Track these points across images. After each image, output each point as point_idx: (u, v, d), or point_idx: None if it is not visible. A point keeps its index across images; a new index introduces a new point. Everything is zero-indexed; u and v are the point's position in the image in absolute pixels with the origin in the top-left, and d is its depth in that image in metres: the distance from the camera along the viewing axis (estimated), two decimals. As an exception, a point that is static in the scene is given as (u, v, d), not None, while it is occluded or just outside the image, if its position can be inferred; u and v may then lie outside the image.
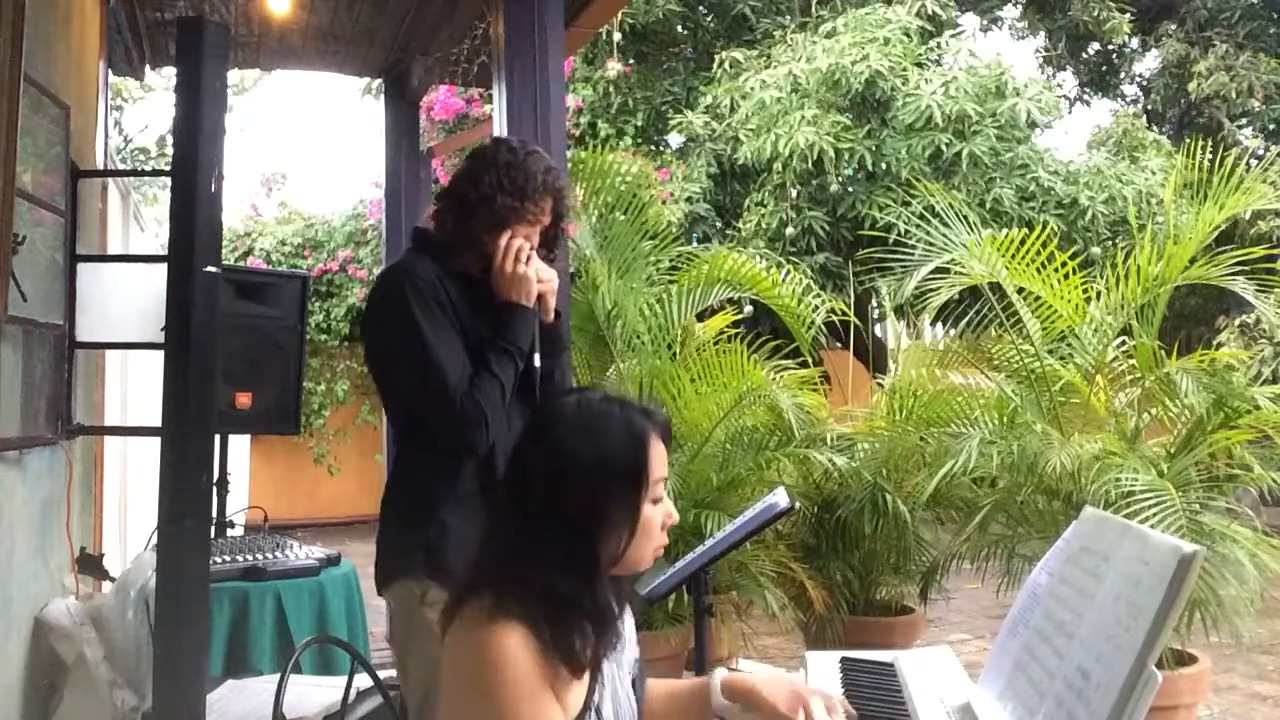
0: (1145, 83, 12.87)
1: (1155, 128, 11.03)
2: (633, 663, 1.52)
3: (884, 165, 8.44)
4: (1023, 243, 4.12)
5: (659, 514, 1.39)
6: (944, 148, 8.31)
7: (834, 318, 5.39)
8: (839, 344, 7.15)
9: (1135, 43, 12.48)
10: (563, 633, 1.28)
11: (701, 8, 10.78)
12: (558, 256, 2.24)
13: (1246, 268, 3.93)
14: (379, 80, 6.40)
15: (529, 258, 2.07)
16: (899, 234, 4.52)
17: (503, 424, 2.01)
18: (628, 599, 1.51)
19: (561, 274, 2.39)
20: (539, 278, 2.08)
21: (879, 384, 5.35)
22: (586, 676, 1.36)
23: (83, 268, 3.36)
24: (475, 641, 1.27)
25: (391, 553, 2.03)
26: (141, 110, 15.05)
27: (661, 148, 9.90)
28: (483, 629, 1.26)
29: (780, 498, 2.59)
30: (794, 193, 8.57)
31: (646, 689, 1.57)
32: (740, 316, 5.37)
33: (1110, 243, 8.18)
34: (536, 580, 1.29)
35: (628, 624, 1.53)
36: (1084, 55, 12.88)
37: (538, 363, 2.08)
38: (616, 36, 9.55)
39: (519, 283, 2.05)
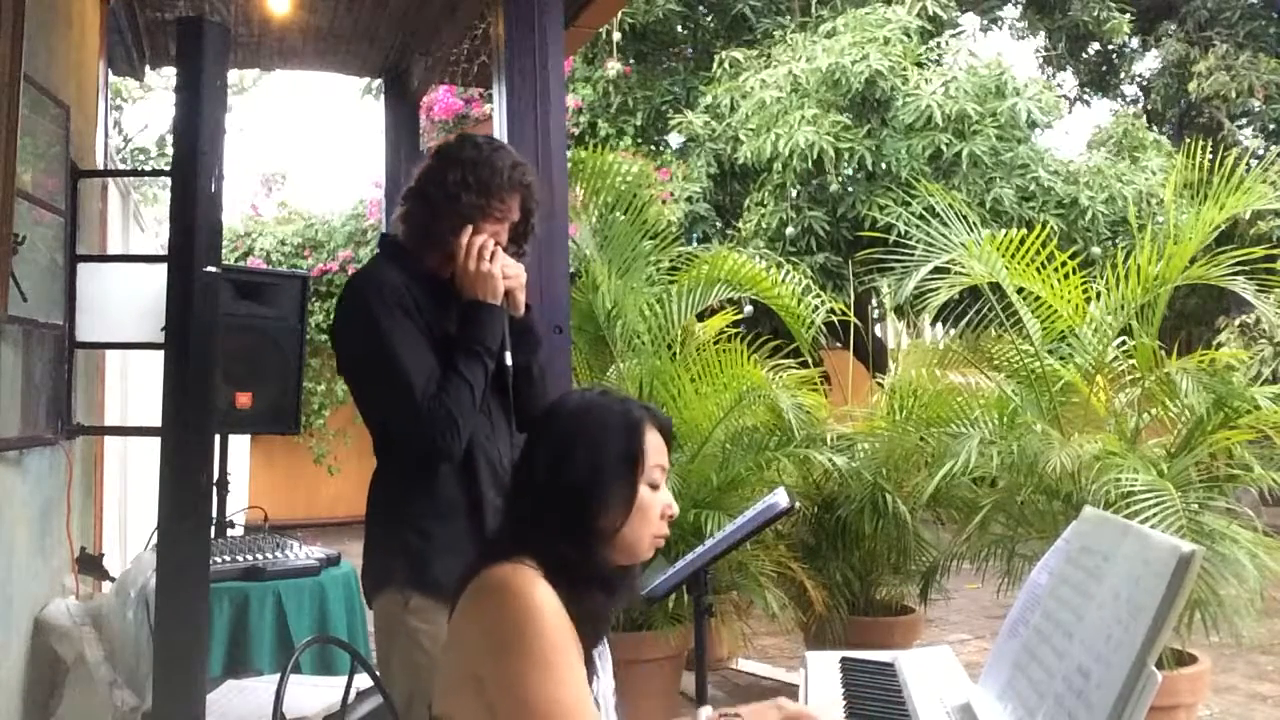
0: (1145, 83, 12.87)
1: (1155, 128, 11.03)
2: (610, 694, 1.54)
3: (884, 165, 8.44)
4: (1023, 243, 4.12)
5: (657, 502, 1.48)
6: (944, 148, 8.31)
7: (834, 318, 5.38)
8: (839, 344, 7.14)
9: (1135, 43, 12.49)
10: (574, 594, 1.36)
11: (701, 8, 10.78)
12: (526, 251, 2.18)
13: (1246, 268, 3.93)
14: (379, 80, 6.40)
15: (493, 254, 2.02)
16: (899, 234, 4.52)
17: (484, 425, 1.99)
18: (625, 601, 1.53)
19: (560, 283, 2.37)
20: (505, 274, 2.04)
21: (879, 384, 5.35)
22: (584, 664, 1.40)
23: (83, 268, 3.35)
24: (503, 594, 1.33)
25: (375, 566, 2.01)
26: (141, 110, 15.03)
27: (661, 148, 9.90)
28: (510, 583, 1.33)
29: (780, 498, 2.58)
30: (794, 193, 8.57)
31: None
32: (740, 316, 5.36)
33: (1110, 243, 8.18)
34: (542, 547, 1.38)
35: (604, 652, 1.55)
36: (1084, 55, 12.88)
37: (510, 360, 2.04)
38: (616, 36, 9.55)
39: (484, 280, 2.00)
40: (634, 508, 1.44)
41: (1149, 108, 12.28)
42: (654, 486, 1.47)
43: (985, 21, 12.10)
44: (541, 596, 1.32)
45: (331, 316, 10.00)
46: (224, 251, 2.36)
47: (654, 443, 1.48)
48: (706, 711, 1.53)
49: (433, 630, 1.84)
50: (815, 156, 8.21)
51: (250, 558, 3.19)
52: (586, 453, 1.44)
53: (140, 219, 5.55)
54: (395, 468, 2.02)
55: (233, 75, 11.05)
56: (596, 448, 1.44)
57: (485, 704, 1.31)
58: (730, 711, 1.45)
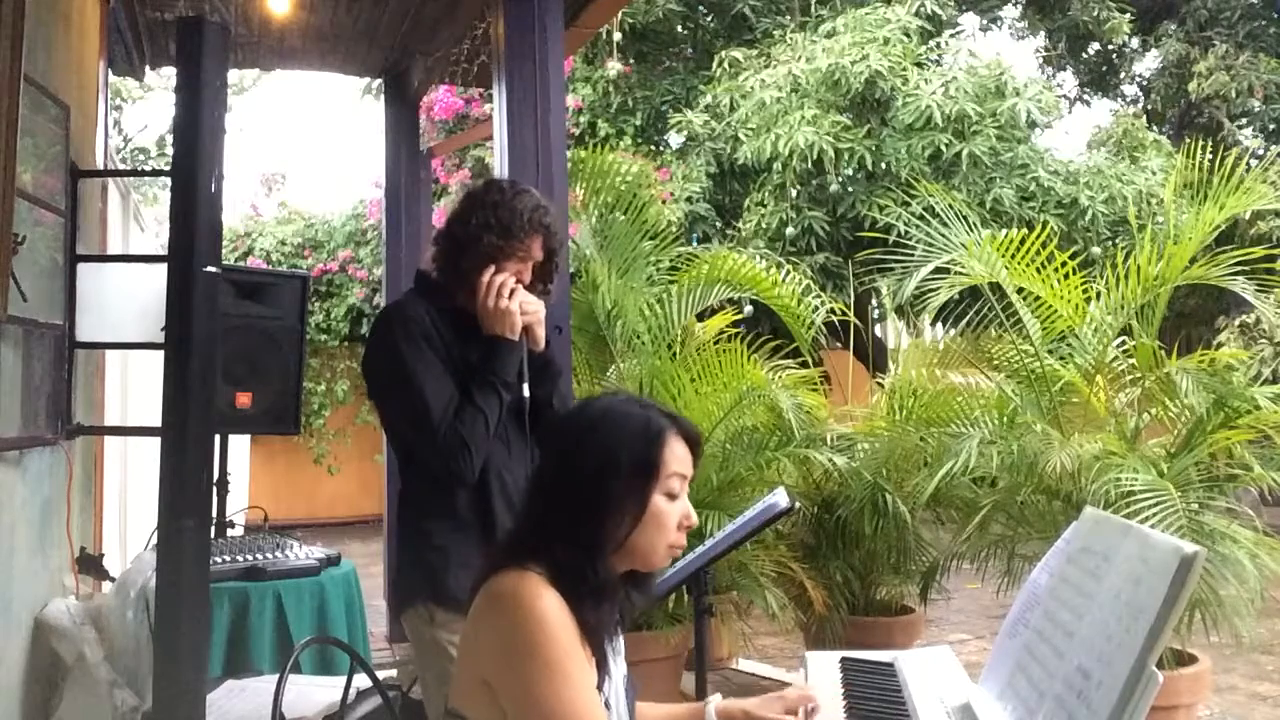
0: (1145, 83, 12.87)
1: (1155, 128, 11.03)
2: (624, 678, 1.54)
3: (884, 165, 8.44)
4: (1023, 243, 4.12)
5: (675, 511, 1.44)
6: (944, 148, 8.31)
7: (834, 318, 5.38)
8: (839, 344, 7.14)
9: (1135, 43, 12.48)
10: (575, 602, 1.35)
11: (701, 8, 10.78)
12: (553, 291, 2.29)
13: (1246, 268, 3.93)
14: (379, 80, 6.40)
15: (512, 292, 2.13)
16: (899, 234, 4.52)
17: (500, 451, 2.10)
18: (632, 607, 1.53)
19: (560, 283, 2.43)
20: (524, 310, 2.14)
21: (879, 384, 5.35)
22: (595, 666, 1.40)
23: (83, 268, 3.35)
24: (511, 602, 1.33)
25: (401, 583, 2.14)
26: (141, 110, 15.04)
27: (661, 147, 9.89)
28: (516, 591, 1.34)
29: (780, 498, 2.59)
30: (794, 193, 8.57)
31: (638, 711, 1.60)
32: (740, 316, 5.36)
33: (1110, 243, 8.18)
34: (548, 551, 1.37)
35: (619, 642, 1.55)
36: (1084, 55, 12.88)
37: (527, 392, 2.14)
38: (616, 36, 9.54)
39: (502, 317, 2.12)
40: (645, 516, 1.41)
41: (1149, 108, 12.28)
42: (671, 496, 1.43)
43: (985, 21, 12.10)
44: (547, 603, 1.32)
45: (331, 316, 10.02)
46: (224, 251, 2.36)
47: (677, 452, 1.44)
48: (717, 699, 1.57)
49: (458, 640, 1.93)
50: (815, 156, 8.21)
51: (250, 558, 3.19)
52: (598, 456, 1.41)
53: (140, 219, 5.55)
54: (417, 488, 2.14)
55: (233, 75, 11.05)
56: (609, 451, 1.41)
57: (497, 707, 1.33)
58: None
